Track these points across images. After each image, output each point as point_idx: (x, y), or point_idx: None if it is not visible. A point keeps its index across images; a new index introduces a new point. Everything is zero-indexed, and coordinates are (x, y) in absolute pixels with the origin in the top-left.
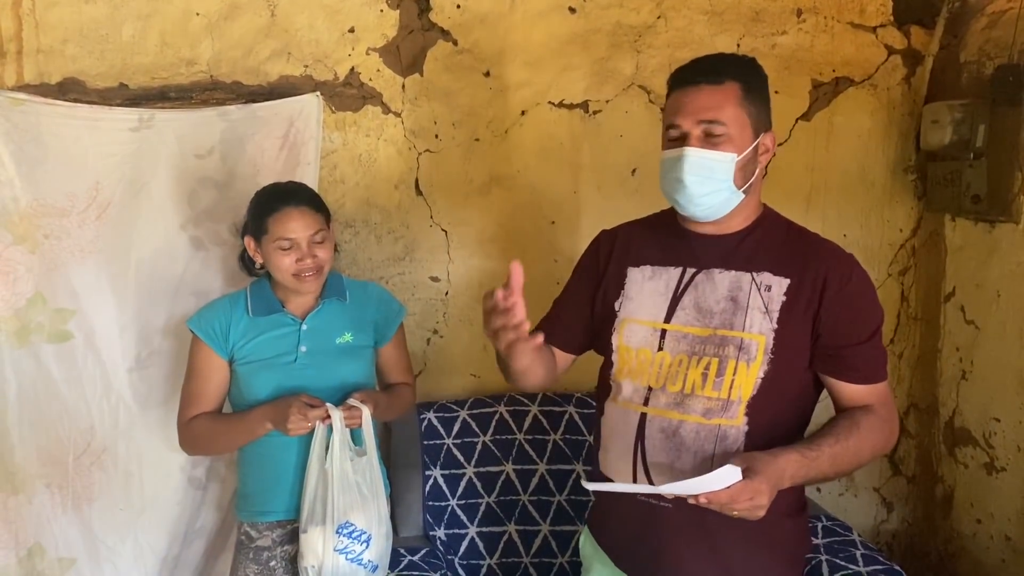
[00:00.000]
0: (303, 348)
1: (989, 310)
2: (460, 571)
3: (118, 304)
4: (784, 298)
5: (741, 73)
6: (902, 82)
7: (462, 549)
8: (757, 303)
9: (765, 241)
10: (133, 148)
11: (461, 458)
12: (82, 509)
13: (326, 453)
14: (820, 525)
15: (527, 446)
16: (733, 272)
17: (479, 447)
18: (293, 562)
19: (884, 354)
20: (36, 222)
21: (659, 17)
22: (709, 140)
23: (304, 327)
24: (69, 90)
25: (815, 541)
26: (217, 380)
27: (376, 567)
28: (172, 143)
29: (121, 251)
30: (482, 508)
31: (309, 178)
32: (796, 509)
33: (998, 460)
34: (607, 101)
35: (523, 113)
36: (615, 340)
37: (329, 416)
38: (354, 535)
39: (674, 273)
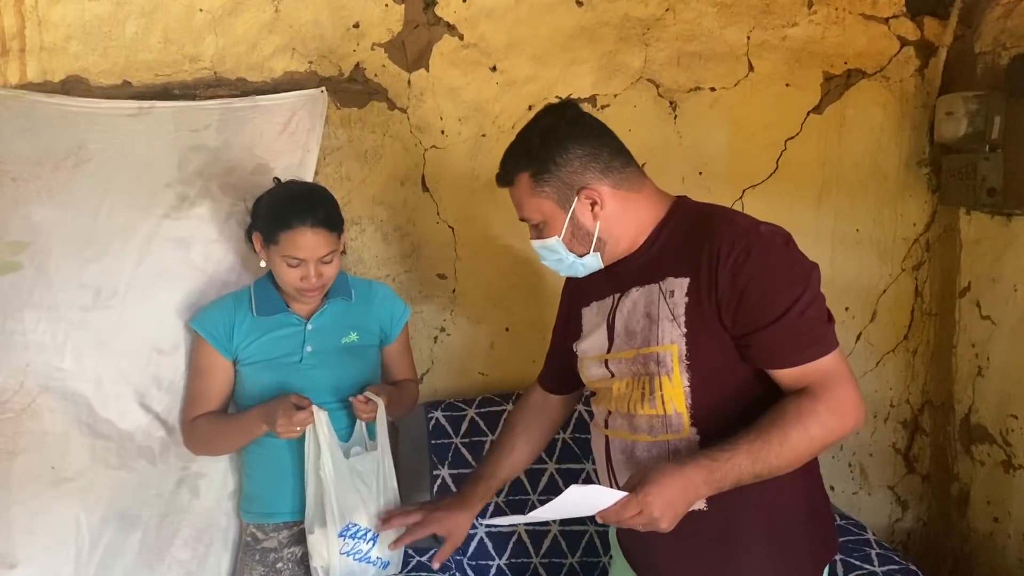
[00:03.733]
0: (308, 348)
1: (1006, 305)
2: (469, 571)
3: (82, 240)
4: (687, 299)
5: (526, 160)
6: (915, 74)
7: (471, 549)
8: (665, 312)
9: (668, 244)
10: (127, 127)
11: (469, 457)
12: (1, 465)
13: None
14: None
15: None
16: (645, 286)
17: (488, 446)
18: (300, 563)
19: (811, 329)
20: (6, 168)
21: (667, 9)
22: (536, 230)
23: (309, 327)
24: (72, 88)
25: None
26: (221, 380)
27: (387, 563)
28: (168, 122)
29: (95, 196)
30: (491, 508)
31: (308, 165)
32: (804, 513)
33: (1015, 458)
34: (615, 95)
35: (530, 108)
36: (583, 376)
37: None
38: (359, 535)
39: (608, 303)
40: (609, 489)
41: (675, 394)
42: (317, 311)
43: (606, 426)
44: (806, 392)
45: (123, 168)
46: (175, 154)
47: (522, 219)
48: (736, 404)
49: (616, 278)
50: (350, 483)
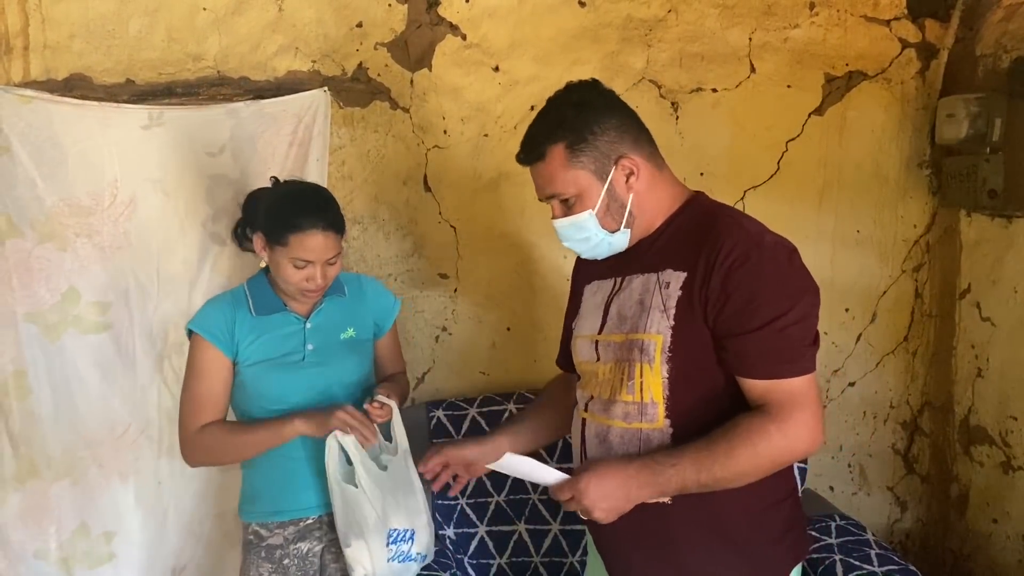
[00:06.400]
0: (310, 346)
1: (1006, 307)
2: (470, 570)
3: (148, 297)
4: (680, 293)
5: (561, 131)
6: (916, 76)
7: (472, 548)
8: (657, 302)
9: (676, 236)
10: (146, 147)
11: None
12: (128, 480)
13: (340, 467)
14: (833, 524)
15: None
16: (645, 275)
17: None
18: (305, 560)
19: (788, 347)
20: (64, 221)
21: (670, 11)
22: (564, 206)
23: (309, 325)
24: (75, 86)
25: (828, 540)
26: (225, 382)
27: (424, 556)
28: (184, 141)
29: (147, 247)
30: (492, 507)
31: (318, 175)
32: (773, 513)
33: (1015, 459)
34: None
35: (532, 108)
36: (573, 356)
37: (352, 430)
38: (400, 539)
39: (608, 284)
40: (546, 467)
41: (653, 383)
42: (315, 309)
43: (585, 409)
44: (763, 410)
45: (162, 211)
46: (202, 183)
47: (550, 196)
48: (712, 404)
49: (622, 262)
50: (383, 490)
